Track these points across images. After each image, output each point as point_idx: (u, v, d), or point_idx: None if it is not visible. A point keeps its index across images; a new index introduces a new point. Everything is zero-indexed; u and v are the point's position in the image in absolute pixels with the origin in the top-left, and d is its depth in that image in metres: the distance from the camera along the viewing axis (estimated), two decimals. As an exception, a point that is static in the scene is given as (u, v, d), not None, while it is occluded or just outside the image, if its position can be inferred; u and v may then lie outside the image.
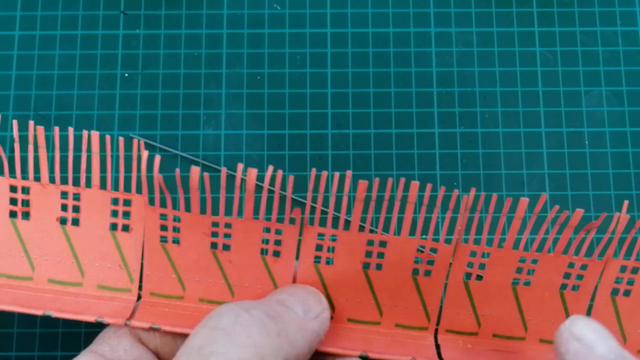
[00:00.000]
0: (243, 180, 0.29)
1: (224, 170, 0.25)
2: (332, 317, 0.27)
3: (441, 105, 0.36)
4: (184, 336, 0.25)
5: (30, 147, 0.27)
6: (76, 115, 0.35)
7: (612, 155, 0.35)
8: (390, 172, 0.35)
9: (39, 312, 0.25)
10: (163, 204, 0.27)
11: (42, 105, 0.36)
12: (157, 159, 0.25)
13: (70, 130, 0.27)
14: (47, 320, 0.33)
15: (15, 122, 0.27)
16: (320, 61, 0.36)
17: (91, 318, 0.25)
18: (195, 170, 0.25)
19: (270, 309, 0.23)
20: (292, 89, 0.36)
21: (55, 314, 0.25)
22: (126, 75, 0.36)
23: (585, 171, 0.35)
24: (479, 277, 0.27)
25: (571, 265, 0.27)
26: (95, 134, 0.27)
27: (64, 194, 0.27)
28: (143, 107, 0.36)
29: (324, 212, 0.27)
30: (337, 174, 0.26)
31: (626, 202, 0.27)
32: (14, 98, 0.36)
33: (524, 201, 0.26)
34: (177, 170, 0.26)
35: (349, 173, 0.26)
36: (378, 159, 0.35)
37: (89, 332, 0.33)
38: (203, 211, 0.27)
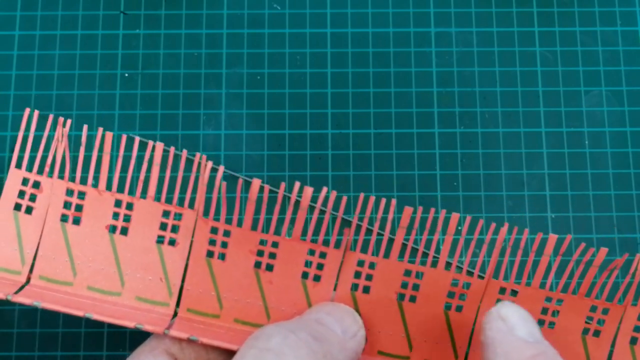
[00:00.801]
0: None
1: (282, 186, 0.26)
2: (363, 349, 0.27)
3: (441, 105, 0.36)
4: (219, 353, 0.25)
5: (74, 149, 0.27)
6: (76, 115, 0.35)
7: (612, 155, 0.35)
8: (390, 172, 0.35)
9: (79, 313, 0.25)
10: (214, 220, 0.27)
11: (42, 105, 0.36)
12: (221, 169, 0.26)
13: (137, 139, 0.28)
14: (47, 321, 0.33)
15: (85, 127, 0.28)
16: (320, 61, 0.36)
17: (131, 324, 0.25)
18: (256, 183, 0.25)
19: (314, 330, 0.24)
20: (292, 89, 0.36)
21: (95, 316, 0.25)
22: (126, 75, 0.36)
23: (585, 171, 0.35)
24: None
25: (593, 308, 0.27)
26: (159, 146, 0.27)
27: (118, 203, 0.27)
28: (143, 107, 0.36)
29: (360, 237, 0.27)
30: (383, 200, 0.26)
31: None
32: (14, 98, 0.36)
33: (553, 238, 0.26)
34: (224, 183, 0.26)
35: (393, 201, 0.26)
36: (378, 159, 0.35)
37: (88, 332, 0.33)
38: (254, 227, 0.27)
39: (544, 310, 0.27)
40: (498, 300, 0.27)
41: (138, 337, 0.33)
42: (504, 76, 0.36)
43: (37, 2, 0.37)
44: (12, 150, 0.35)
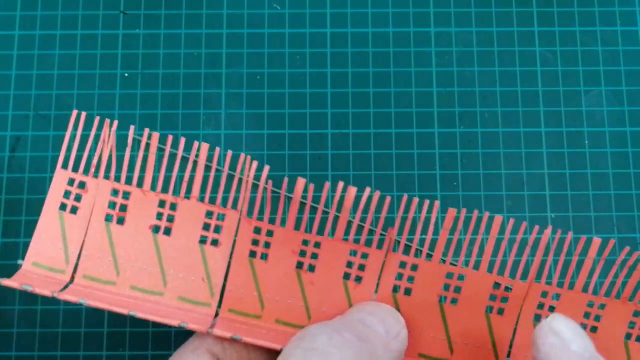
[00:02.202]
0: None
1: (327, 185, 0.26)
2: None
3: (441, 105, 0.36)
4: (261, 353, 0.26)
5: (115, 151, 0.27)
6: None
7: (612, 155, 0.35)
8: (390, 172, 0.35)
9: (124, 312, 0.25)
10: (258, 219, 0.27)
11: (42, 105, 0.36)
12: (267, 168, 0.26)
13: (182, 140, 0.28)
14: (47, 321, 0.33)
15: (132, 128, 0.28)
16: (320, 61, 0.36)
17: (174, 322, 0.25)
18: (301, 182, 0.25)
19: (358, 330, 0.24)
20: (292, 89, 0.36)
21: (140, 314, 0.25)
22: (126, 75, 0.36)
23: (585, 171, 0.35)
24: None
25: (637, 314, 0.27)
26: (205, 147, 0.28)
27: (162, 203, 0.28)
28: (143, 107, 0.36)
29: (400, 240, 0.27)
30: (427, 202, 0.26)
31: None
32: (14, 98, 0.36)
33: (597, 242, 0.26)
34: (270, 182, 0.26)
35: (437, 203, 0.26)
36: (378, 159, 0.35)
37: (88, 332, 0.33)
38: (297, 227, 0.27)
39: (587, 315, 0.27)
40: (540, 305, 0.27)
41: (138, 337, 0.33)
42: (504, 76, 0.36)
43: (37, 2, 0.37)
44: (12, 150, 0.35)
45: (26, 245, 0.34)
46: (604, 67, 0.36)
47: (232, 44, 0.36)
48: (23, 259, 0.27)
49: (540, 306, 0.27)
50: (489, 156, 0.35)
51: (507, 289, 0.27)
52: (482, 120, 0.36)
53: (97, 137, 0.28)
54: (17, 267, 0.27)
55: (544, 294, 0.27)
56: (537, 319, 0.27)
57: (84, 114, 0.28)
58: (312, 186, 0.26)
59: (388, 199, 0.26)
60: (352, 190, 0.26)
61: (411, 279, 0.27)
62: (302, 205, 0.30)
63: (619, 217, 0.34)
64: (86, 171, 0.27)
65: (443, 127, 0.36)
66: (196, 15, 0.37)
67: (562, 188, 0.35)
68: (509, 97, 0.36)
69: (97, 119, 0.28)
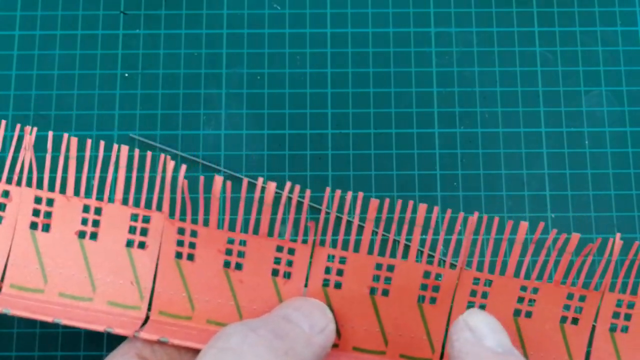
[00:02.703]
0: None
1: (245, 181, 0.26)
2: (337, 345, 0.27)
3: (441, 105, 0.36)
4: (193, 354, 0.25)
5: (44, 156, 0.27)
6: (76, 115, 0.35)
7: (612, 155, 0.35)
8: (390, 172, 0.35)
9: (48, 319, 0.25)
10: (180, 220, 0.27)
11: (42, 105, 0.36)
12: (183, 167, 0.26)
13: (102, 143, 0.28)
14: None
15: (50, 133, 0.28)
16: (320, 61, 0.36)
17: (100, 327, 0.25)
18: (218, 180, 0.25)
19: (277, 326, 0.23)
20: (292, 89, 0.36)
21: (65, 321, 0.25)
22: (126, 75, 0.36)
23: (585, 171, 0.35)
24: (482, 307, 0.27)
25: (570, 296, 0.27)
26: (124, 148, 0.27)
27: (86, 208, 0.27)
28: (143, 107, 0.36)
29: (330, 233, 0.27)
30: (349, 194, 0.26)
31: (618, 235, 0.27)
32: (14, 98, 0.36)
33: (524, 225, 0.26)
34: (202, 177, 0.26)
35: (360, 194, 0.26)
36: (378, 159, 0.35)
37: (88, 332, 0.33)
38: (220, 226, 0.27)
39: (520, 300, 0.27)
40: (473, 292, 0.27)
41: (138, 337, 0.33)
42: (504, 76, 0.36)
43: (37, 2, 0.37)
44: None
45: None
46: (604, 67, 0.36)
47: (232, 44, 0.36)
48: None
49: (473, 293, 0.27)
50: (489, 156, 0.35)
51: (438, 277, 0.27)
52: (482, 120, 0.36)
53: (19, 145, 0.28)
54: None
55: (476, 281, 0.27)
56: (471, 305, 0.27)
57: (3, 122, 0.28)
58: (229, 183, 0.26)
59: (308, 192, 0.26)
60: (272, 185, 0.25)
61: (340, 272, 0.27)
62: (235, 204, 0.29)
63: (619, 217, 0.34)
64: (9, 180, 0.27)
65: (443, 127, 0.36)
66: (196, 15, 0.37)
67: (562, 188, 0.35)
68: (509, 97, 0.36)
69: (17, 126, 0.28)
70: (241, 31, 0.37)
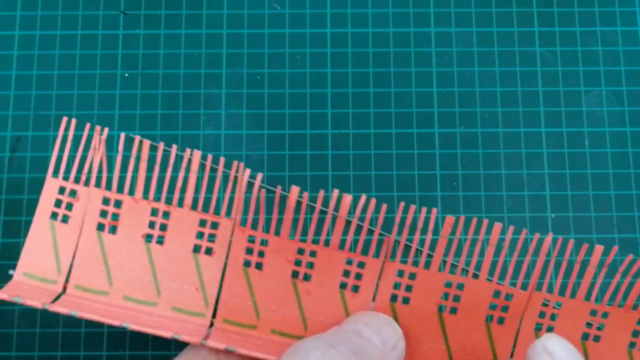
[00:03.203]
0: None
1: (321, 193, 0.26)
2: None
3: (441, 105, 0.36)
4: None
5: (102, 157, 0.27)
6: (76, 115, 0.35)
7: (612, 155, 0.35)
8: (390, 172, 0.35)
9: (116, 323, 0.25)
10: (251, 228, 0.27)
11: (42, 105, 0.36)
12: (259, 176, 0.26)
13: (174, 147, 0.27)
14: (47, 321, 0.33)
15: (122, 135, 0.27)
16: (320, 61, 0.36)
17: (168, 334, 0.25)
18: (295, 190, 0.25)
19: (353, 343, 0.23)
20: (292, 89, 0.36)
21: (132, 326, 0.25)
22: (126, 75, 0.36)
23: (585, 171, 0.35)
24: (550, 329, 0.27)
25: None
26: (197, 154, 0.27)
27: (154, 211, 0.27)
28: (143, 107, 0.36)
29: (397, 246, 0.27)
30: (424, 209, 0.26)
31: None
32: (14, 98, 0.36)
33: (599, 249, 0.26)
34: (279, 187, 0.26)
35: (434, 210, 0.26)
36: (378, 159, 0.35)
37: (88, 332, 0.33)
38: (292, 236, 0.27)
39: (589, 324, 0.26)
40: (542, 314, 0.26)
41: (138, 338, 0.33)
42: (504, 76, 0.36)
43: (37, 2, 0.37)
44: (12, 150, 0.35)
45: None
46: (604, 67, 0.36)
47: (232, 44, 0.36)
48: (14, 268, 0.27)
49: (542, 315, 0.26)
50: (489, 156, 0.35)
51: (508, 297, 0.26)
52: (482, 120, 0.36)
53: (88, 144, 0.28)
54: (9, 277, 0.27)
55: (545, 303, 0.26)
56: (539, 328, 0.26)
57: (74, 120, 0.28)
58: (305, 194, 0.26)
59: (384, 207, 0.26)
60: (348, 198, 0.25)
61: (409, 288, 0.26)
62: (297, 209, 0.29)
63: (619, 217, 0.34)
64: (77, 179, 0.27)
65: (443, 127, 0.36)
66: (196, 15, 0.37)
67: (562, 188, 0.35)
68: (509, 97, 0.36)
69: (87, 126, 0.28)
70: (241, 31, 0.37)
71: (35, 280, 0.27)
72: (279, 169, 0.35)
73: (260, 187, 0.26)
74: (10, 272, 0.27)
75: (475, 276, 0.26)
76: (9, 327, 0.33)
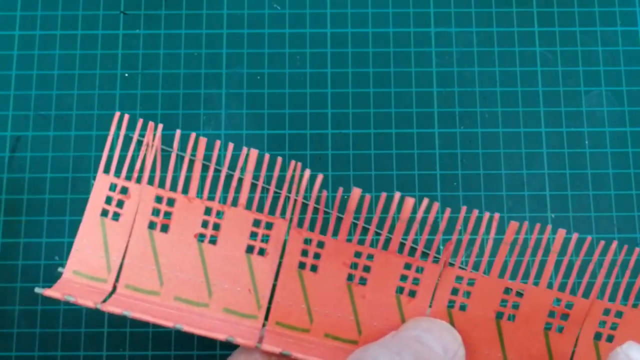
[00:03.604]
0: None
1: (383, 195, 0.25)
2: None
3: (441, 105, 0.36)
4: None
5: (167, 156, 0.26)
6: (76, 115, 0.35)
7: (612, 155, 0.35)
8: (390, 172, 0.35)
9: (169, 324, 0.24)
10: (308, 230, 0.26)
11: (42, 105, 0.36)
12: (319, 178, 0.25)
13: (231, 146, 0.27)
14: (47, 321, 0.33)
15: (178, 132, 0.27)
16: (320, 61, 0.36)
17: (222, 336, 0.24)
18: (356, 193, 0.25)
19: (416, 351, 0.23)
20: (292, 89, 0.36)
21: (186, 327, 0.24)
22: (126, 75, 0.36)
23: (585, 171, 0.35)
24: (610, 339, 0.26)
25: None
26: (253, 152, 0.27)
27: (208, 211, 0.27)
28: (143, 107, 0.36)
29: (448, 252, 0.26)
30: (486, 214, 0.25)
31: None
32: (14, 98, 0.36)
33: None
34: (340, 189, 0.25)
35: (496, 215, 0.25)
36: (378, 159, 0.35)
37: (88, 332, 0.33)
38: (349, 239, 0.26)
39: None
40: (602, 323, 0.26)
41: (138, 337, 0.33)
42: (504, 76, 0.36)
43: (37, 2, 0.37)
44: (12, 150, 0.35)
45: (26, 246, 0.34)
46: (604, 67, 0.36)
47: (232, 44, 0.36)
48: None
49: (602, 324, 0.26)
50: (489, 156, 0.35)
51: (568, 305, 0.26)
52: (482, 120, 0.36)
53: (140, 141, 0.27)
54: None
55: (606, 312, 0.26)
56: (598, 337, 0.26)
57: (126, 116, 0.27)
58: (367, 197, 0.25)
59: (447, 211, 0.25)
60: (410, 201, 0.25)
61: (467, 294, 0.26)
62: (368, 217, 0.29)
63: (619, 217, 0.34)
64: (129, 176, 0.27)
65: (443, 127, 0.36)
66: (196, 15, 0.37)
67: (562, 188, 0.35)
68: (509, 97, 0.36)
69: (140, 122, 0.27)
70: (241, 31, 0.37)
71: (85, 278, 0.26)
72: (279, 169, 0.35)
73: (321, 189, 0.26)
74: (60, 269, 0.26)
75: (536, 283, 0.26)
76: (9, 327, 0.33)
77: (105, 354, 0.33)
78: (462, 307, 0.26)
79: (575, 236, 0.26)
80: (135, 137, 0.27)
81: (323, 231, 0.26)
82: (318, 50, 0.36)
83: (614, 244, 0.26)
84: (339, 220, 0.26)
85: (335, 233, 0.26)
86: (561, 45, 0.37)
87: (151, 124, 0.27)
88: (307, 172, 0.26)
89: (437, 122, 0.36)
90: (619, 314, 0.26)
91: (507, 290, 0.26)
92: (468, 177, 0.35)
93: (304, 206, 0.28)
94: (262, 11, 0.37)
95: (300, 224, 0.26)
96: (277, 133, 0.35)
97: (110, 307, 0.25)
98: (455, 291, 0.26)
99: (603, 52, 0.37)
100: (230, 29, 0.37)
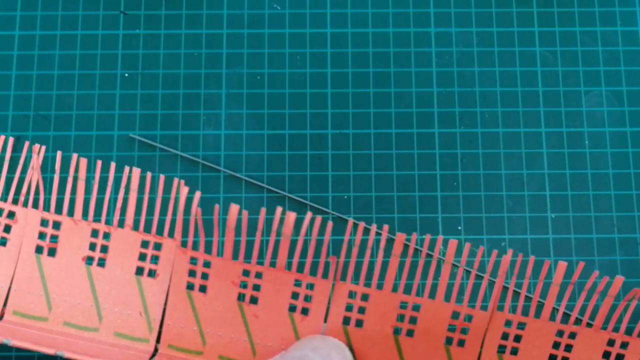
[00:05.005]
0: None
1: (262, 211, 0.24)
2: None
3: (441, 105, 0.36)
4: None
5: (53, 177, 0.26)
6: (76, 115, 0.35)
7: (612, 155, 0.35)
8: (390, 172, 0.35)
9: (51, 351, 0.24)
10: (193, 249, 0.26)
11: (42, 105, 0.36)
12: (197, 195, 0.25)
13: (112, 165, 0.26)
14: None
15: (59, 153, 0.26)
16: (320, 61, 0.36)
17: None
18: (234, 209, 0.24)
19: None
20: (292, 89, 0.36)
21: (67, 354, 0.24)
22: (126, 75, 0.36)
23: (585, 171, 0.35)
24: (514, 351, 0.25)
25: (611, 342, 0.25)
26: (136, 171, 0.26)
27: (95, 232, 0.26)
28: (143, 107, 0.36)
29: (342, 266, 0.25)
30: (374, 226, 0.24)
31: None
32: (14, 98, 0.36)
33: (562, 265, 0.25)
34: (217, 206, 0.24)
35: (385, 227, 0.24)
36: (378, 159, 0.35)
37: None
38: (235, 256, 0.25)
39: (556, 345, 0.25)
40: (504, 335, 0.25)
41: None
42: (504, 76, 0.36)
43: (37, 2, 0.37)
44: (12, 150, 0.35)
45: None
46: (604, 67, 0.36)
47: (232, 44, 0.36)
48: None
49: (505, 336, 0.25)
50: (489, 156, 0.35)
51: (467, 318, 0.25)
52: (482, 120, 0.36)
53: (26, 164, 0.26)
54: None
55: (508, 323, 0.25)
56: (502, 350, 0.25)
57: (11, 138, 0.27)
58: (245, 213, 0.25)
59: (329, 225, 0.25)
60: (292, 215, 0.24)
61: (362, 310, 0.25)
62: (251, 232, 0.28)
63: (619, 217, 0.34)
64: (15, 200, 0.26)
65: (443, 127, 0.36)
66: (196, 15, 0.37)
67: (562, 188, 0.35)
68: (509, 97, 0.36)
69: (26, 144, 0.27)
70: (241, 31, 0.37)
71: None
72: (279, 169, 0.35)
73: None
74: None
75: (432, 295, 0.25)
76: (9, 327, 0.33)
77: None
78: (359, 324, 0.25)
79: (467, 246, 0.25)
80: (22, 160, 0.26)
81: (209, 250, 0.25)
82: (318, 50, 0.36)
83: (509, 253, 0.25)
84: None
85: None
86: (561, 45, 0.37)
87: (35, 146, 0.26)
88: (185, 190, 0.25)
89: (437, 122, 0.36)
90: (521, 326, 0.25)
91: (404, 305, 0.25)
92: (468, 177, 0.35)
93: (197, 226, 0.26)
94: (262, 11, 0.37)
95: (185, 244, 0.26)
96: (277, 133, 0.35)
97: None
98: (349, 307, 0.25)
99: (603, 52, 0.37)
100: (230, 29, 0.37)
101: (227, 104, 0.36)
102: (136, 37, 0.37)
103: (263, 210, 0.25)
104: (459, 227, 0.34)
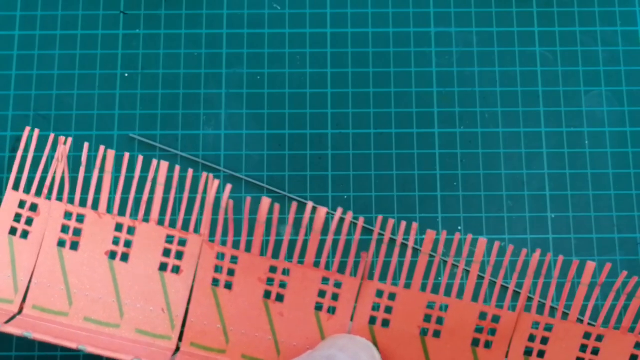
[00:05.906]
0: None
1: (294, 206, 0.24)
2: None
3: (441, 105, 0.36)
4: None
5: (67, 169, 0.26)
6: (76, 115, 0.35)
7: (612, 155, 0.35)
8: (390, 172, 0.35)
9: (72, 345, 0.23)
10: (220, 244, 0.25)
11: (42, 105, 0.36)
12: (228, 187, 0.24)
13: (140, 158, 0.26)
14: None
15: (86, 145, 0.26)
16: (320, 61, 0.36)
17: (128, 357, 0.23)
18: (266, 202, 0.23)
19: None
20: (292, 89, 0.36)
21: (89, 348, 0.23)
22: (126, 75, 0.36)
23: (585, 171, 0.35)
24: (541, 354, 0.25)
25: (638, 345, 0.25)
26: (164, 165, 0.25)
27: (119, 226, 0.26)
28: (143, 107, 0.36)
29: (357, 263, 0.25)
30: (403, 223, 0.24)
31: None
32: (14, 98, 0.36)
33: (591, 265, 0.24)
34: (249, 198, 0.24)
35: (414, 225, 0.24)
36: (378, 159, 0.35)
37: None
38: (263, 252, 0.25)
39: (583, 347, 0.25)
40: (532, 337, 0.25)
41: None
42: (504, 76, 0.36)
43: (37, 2, 0.37)
44: (12, 150, 0.35)
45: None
46: (604, 67, 0.36)
47: (232, 44, 0.36)
48: None
49: (532, 338, 0.25)
50: (489, 156, 0.35)
51: (495, 319, 0.25)
52: (482, 120, 0.36)
53: (51, 157, 0.26)
54: None
55: (535, 325, 0.25)
56: (529, 352, 0.25)
57: (36, 131, 0.26)
58: (277, 206, 0.24)
59: (361, 220, 0.24)
60: (322, 211, 0.24)
61: (389, 309, 0.25)
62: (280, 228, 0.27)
63: (619, 217, 0.34)
64: (39, 192, 0.26)
65: (443, 127, 0.36)
66: (196, 15, 0.37)
67: (562, 188, 0.35)
68: (509, 97, 0.36)
69: (51, 137, 0.26)
70: (241, 31, 0.37)
71: None
72: (279, 169, 0.35)
73: (230, 198, 0.25)
74: None
75: (460, 295, 0.25)
76: (9, 327, 0.33)
77: (106, 354, 0.33)
78: (385, 323, 0.25)
79: (496, 245, 0.25)
80: (46, 153, 0.26)
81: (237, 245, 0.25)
82: (318, 50, 0.36)
83: (537, 252, 0.25)
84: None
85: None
86: (561, 45, 0.37)
87: (61, 138, 0.26)
88: (216, 182, 0.25)
89: (437, 122, 0.36)
90: (548, 328, 0.25)
91: (431, 305, 0.25)
92: (468, 177, 0.35)
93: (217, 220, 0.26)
94: (262, 11, 0.37)
95: (213, 236, 0.25)
96: (277, 133, 0.35)
97: (10, 329, 0.23)
98: (376, 306, 0.25)
99: (603, 52, 0.37)
100: (230, 29, 0.37)
101: (227, 104, 0.36)
102: (136, 37, 0.37)
103: (294, 204, 0.24)
104: (459, 227, 0.34)
